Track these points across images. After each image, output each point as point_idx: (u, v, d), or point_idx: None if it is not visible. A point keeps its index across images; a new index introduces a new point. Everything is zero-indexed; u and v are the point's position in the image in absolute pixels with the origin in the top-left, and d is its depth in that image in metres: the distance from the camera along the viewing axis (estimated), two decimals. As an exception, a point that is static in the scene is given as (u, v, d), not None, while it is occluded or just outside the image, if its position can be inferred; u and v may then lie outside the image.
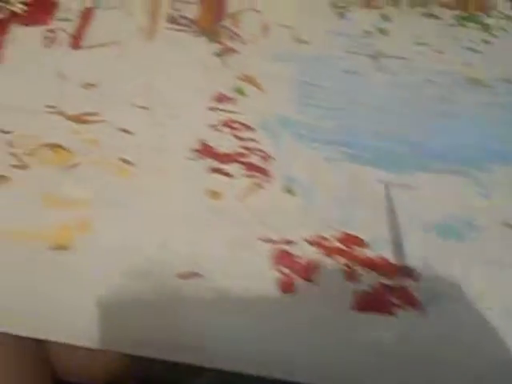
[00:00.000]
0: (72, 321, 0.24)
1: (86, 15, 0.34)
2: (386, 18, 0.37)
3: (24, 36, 0.33)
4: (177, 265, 0.25)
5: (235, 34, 0.34)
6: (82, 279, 0.25)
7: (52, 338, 0.25)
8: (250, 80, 0.31)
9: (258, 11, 0.36)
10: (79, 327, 0.24)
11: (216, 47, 0.34)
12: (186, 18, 0.35)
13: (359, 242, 0.26)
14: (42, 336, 0.25)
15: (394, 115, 0.31)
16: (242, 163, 0.29)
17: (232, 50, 0.33)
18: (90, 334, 0.24)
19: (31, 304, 0.25)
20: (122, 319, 0.24)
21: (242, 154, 0.29)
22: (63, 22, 0.33)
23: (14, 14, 0.33)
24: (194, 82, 0.32)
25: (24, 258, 0.25)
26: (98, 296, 0.24)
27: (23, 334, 0.25)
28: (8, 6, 0.34)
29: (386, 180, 0.28)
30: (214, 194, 0.27)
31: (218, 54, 0.33)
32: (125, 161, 0.28)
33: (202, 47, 0.34)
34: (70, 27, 0.33)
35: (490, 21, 0.37)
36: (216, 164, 0.29)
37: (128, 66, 0.32)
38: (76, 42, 0.33)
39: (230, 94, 0.31)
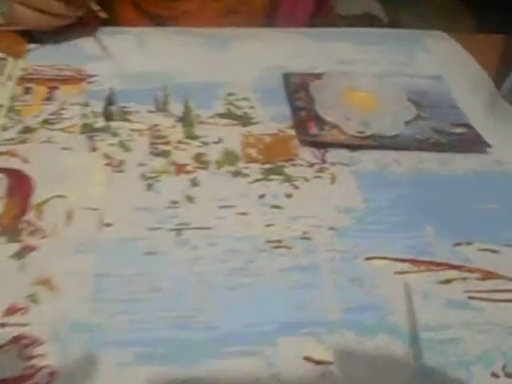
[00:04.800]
0: None
1: None
2: (194, 183, 0.39)
3: None
4: None
5: (36, 228, 0.33)
6: None
7: None
8: (45, 283, 0.30)
9: (64, 197, 0.35)
10: None
11: (15, 247, 0.32)
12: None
13: None
14: None
15: (192, 297, 0.31)
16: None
17: (31, 248, 0.32)
18: None
19: None
20: None
21: (26, 377, 0.27)
22: None
23: None
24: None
25: None
26: None
27: None
28: None
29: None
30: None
31: (16, 256, 0.31)
32: None
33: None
34: None
35: (292, 170, 0.40)
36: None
37: None
38: None
39: (23, 304, 0.29)
